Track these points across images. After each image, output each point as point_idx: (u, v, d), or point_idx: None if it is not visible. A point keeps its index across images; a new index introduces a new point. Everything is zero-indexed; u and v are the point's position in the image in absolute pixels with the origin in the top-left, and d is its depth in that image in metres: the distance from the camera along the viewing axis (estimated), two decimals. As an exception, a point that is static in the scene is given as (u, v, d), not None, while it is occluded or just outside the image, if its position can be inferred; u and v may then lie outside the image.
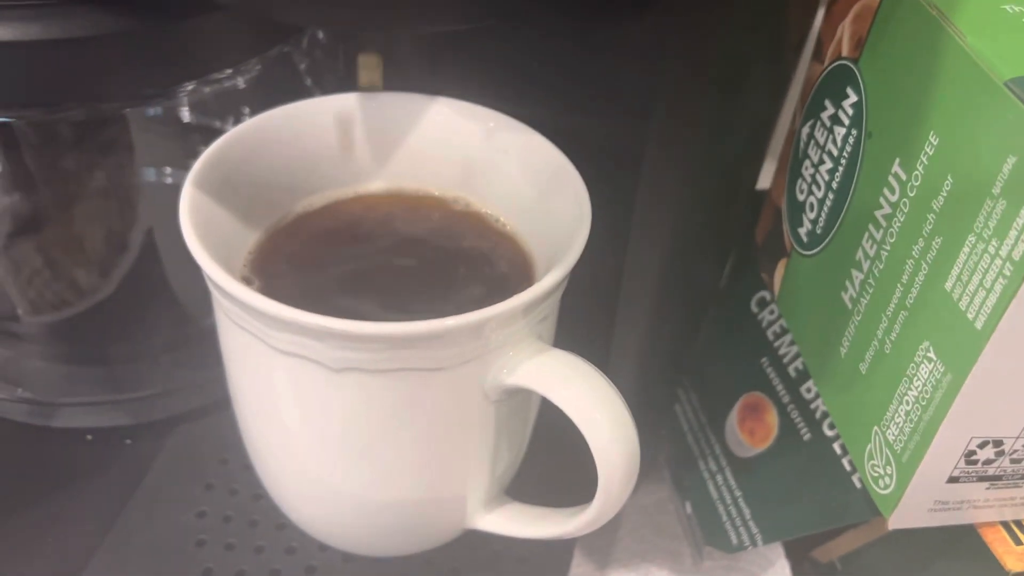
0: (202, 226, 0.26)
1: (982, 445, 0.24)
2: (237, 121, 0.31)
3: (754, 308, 0.35)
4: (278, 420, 0.28)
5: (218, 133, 0.29)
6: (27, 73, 0.27)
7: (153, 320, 0.37)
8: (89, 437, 0.36)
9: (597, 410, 0.25)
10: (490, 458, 0.29)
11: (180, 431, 0.36)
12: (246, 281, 0.28)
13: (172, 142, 0.35)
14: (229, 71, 0.31)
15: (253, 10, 0.25)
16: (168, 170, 0.36)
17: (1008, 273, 0.21)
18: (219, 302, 0.26)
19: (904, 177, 0.24)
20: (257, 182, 0.29)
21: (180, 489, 0.34)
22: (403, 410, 0.26)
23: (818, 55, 0.29)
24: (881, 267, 0.25)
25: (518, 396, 0.27)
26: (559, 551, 0.34)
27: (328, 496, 0.29)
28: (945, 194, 0.23)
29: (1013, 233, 0.20)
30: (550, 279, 0.25)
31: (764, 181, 0.34)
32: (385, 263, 0.30)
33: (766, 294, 0.35)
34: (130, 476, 0.35)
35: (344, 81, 0.33)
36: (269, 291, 0.26)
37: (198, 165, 0.27)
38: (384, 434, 0.26)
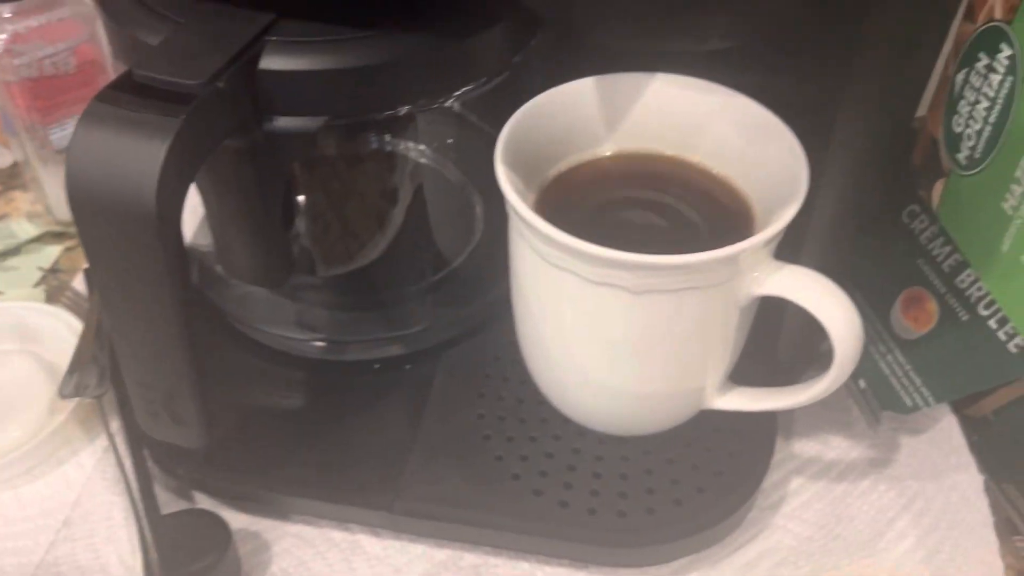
0: (516, 194, 0.34)
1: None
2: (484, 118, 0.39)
3: (905, 219, 0.43)
4: (575, 335, 0.36)
5: (472, 126, 0.37)
6: (352, 89, 0.36)
7: (416, 269, 0.46)
8: (376, 366, 0.45)
9: (834, 307, 0.33)
10: (730, 351, 0.37)
11: (448, 355, 0.45)
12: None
13: (438, 132, 0.43)
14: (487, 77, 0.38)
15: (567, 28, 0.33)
16: (429, 154, 0.45)
17: None
18: (532, 247, 0.34)
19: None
20: (529, 152, 0.37)
21: (460, 399, 0.44)
22: (682, 317, 0.34)
23: (970, 16, 0.36)
24: (1039, 182, 0.33)
25: (757, 302, 0.36)
26: (764, 426, 0.43)
27: (600, 390, 0.38)
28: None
29: None
30: (786, 217, 0.33)
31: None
32: (636, 206, 0.38)
33: (915, 207, 0.43)
34: (416, 393, 0.44)
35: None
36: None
37: (501, 144, 0.36)
38: (663, 337, 0.35)
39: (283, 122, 0.35)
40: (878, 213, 0.45)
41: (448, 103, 0.39)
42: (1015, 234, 0.35)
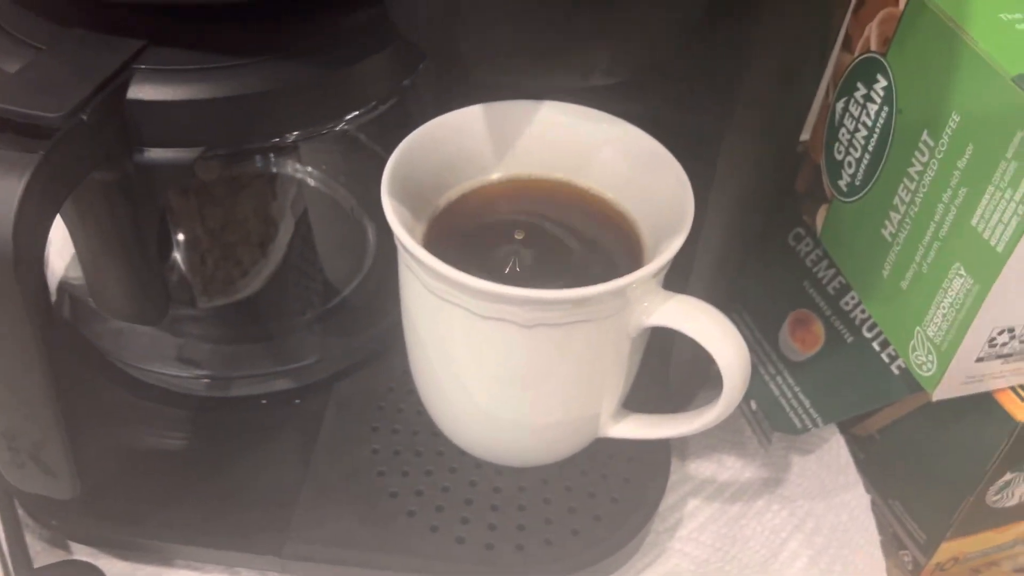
0: (404, 227, 0.33)
1: (1000, 332, 0.33)
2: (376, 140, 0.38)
3: (791, 242, 0.44)
4: (465, 368, 0.36)
5: (364, 148, 0.36)
6: (228, 119, 0.34)
7: (304, 298, 0.44)
8: (264, 401, 0.43)
9: (721, 338, 0.33)
10: (622, 380, 0.37)
11: (340, 388, 0.44)
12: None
13: (327, 155, 0.42)
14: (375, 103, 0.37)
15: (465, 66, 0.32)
16: (317, 177, 0.43)
17: (1021, 212, 0.30)
18: (421, 282, 0.33)
19: (932, 144, 0.33)
20: (418, 181, 0.37)
21: (352, 434, 0.42)
22: (572, 350, 0.34)
23: (847, 47, 0.37)
24: (916, 210, 0.34)
25: (648, 331, 0.36)
26: (658, 451, 0.43)
27: (494, 423, 0.38)
28: (967, 157, 0.31)
29: None
30: (672, 248, 0.33)
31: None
32: (527, 234, 0.38)
33: (800, 230, 0.44)
34: (306, 429, 0.42)
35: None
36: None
37: (387, 176, 0.35)
38: (555, 369, 0.34)
39: (155, 154, 0.33)
40: (765, 236, 0.46)
41: (330, 131, 0.38)
42: (894, 260, 0.36)
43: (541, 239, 0.38)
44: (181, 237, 0.41)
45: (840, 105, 0.38)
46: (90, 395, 0.43)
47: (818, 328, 0.42)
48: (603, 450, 0.41)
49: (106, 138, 0.32)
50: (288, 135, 0.36)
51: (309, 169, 0.44)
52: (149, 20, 0.33)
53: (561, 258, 0.37)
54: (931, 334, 0.35)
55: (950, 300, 0.33)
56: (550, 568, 0.39)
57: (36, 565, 0.39)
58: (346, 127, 0.38)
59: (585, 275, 0.33)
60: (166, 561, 0.40)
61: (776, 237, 0.44)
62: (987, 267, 0.31)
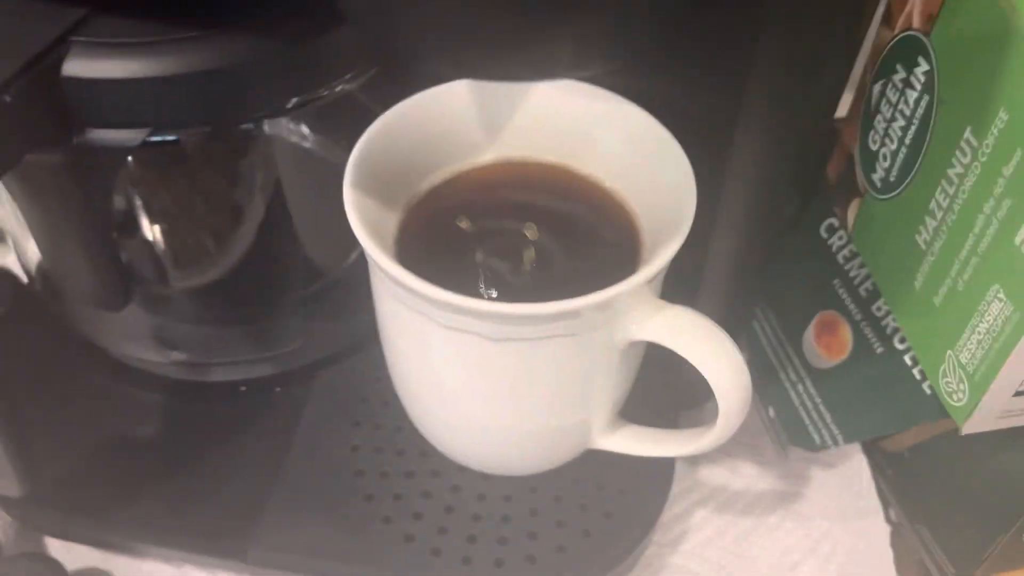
0: (366, 221, 0.30)
1: (1043, 365, 0.29)
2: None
3: (823, 234, 0.39)
4: (438, 376, 0.32)
5: (362, 108, 0.33)
6: (180, 98, 0.31)
7: (286, 281, 0.41)
8: (243, 388, 0.41)
9: (715, 356, 0.29)
10: (612, 393, 0.34)
11: (323, 376, 0.41)
12: (400, 259, 0.32)
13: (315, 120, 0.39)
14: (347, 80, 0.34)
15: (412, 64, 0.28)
16: (302, 149, 0.40)
17: (1071, 236, 0.25)
18: (385, 285, 0.30)
19: (975, 144, 0.28)
20: (392, 167, 0.33)
21: (333, 427, 0.40)
22: (548, 366, 0.30)
23: (888, 22, 0.32)
24: (954, 218, 0.29)
25: (639, 344, 0.32)
26: (661, 463, 0.39)
27: (475, 432, 0.34)
28: (1015, 163, 0.26)
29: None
30: (667, 252, 0.29)
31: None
32: (511, 227, 0.34)
33: (834, 221, 0.39)
34: (286, 420, 0.40)
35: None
36: (418, 269, 0.30)
37: (352, 161, 0.31)
38: (531, 382, 0.31)
39: (98, 135, 0.30)
40: (798, 221, 0.41)
41: (303, 107, 0.35)
42: (928, 272, 0.31)
43: (529, 233, 0.34)
44: (149, 215, 0.38)
45: (877, 88, 0.33)
46: (67, 379, 0.41)
47: (846, 334, 0.38)
48: (599, 460, 0.38)
49: (38, 119, 0.29)
50: (246, 116, 0.33)
51: (292, 141, 0.40)
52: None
53: (550, 259, 0.33)
54: (964, 361, 0.30)
55: (987, 326, 0.29)
56: (531, 588, 0.36)
57: (7, 554, 0.38)
58: (319, 103, 0.34)
59: (574, 281, 0.29)
60: (138, 554, 0.38)
61: (809, 225, 0.40)
62: (1030, 294, 0.27)
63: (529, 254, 0.33)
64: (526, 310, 0.27)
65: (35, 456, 0.34)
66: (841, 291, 0.38)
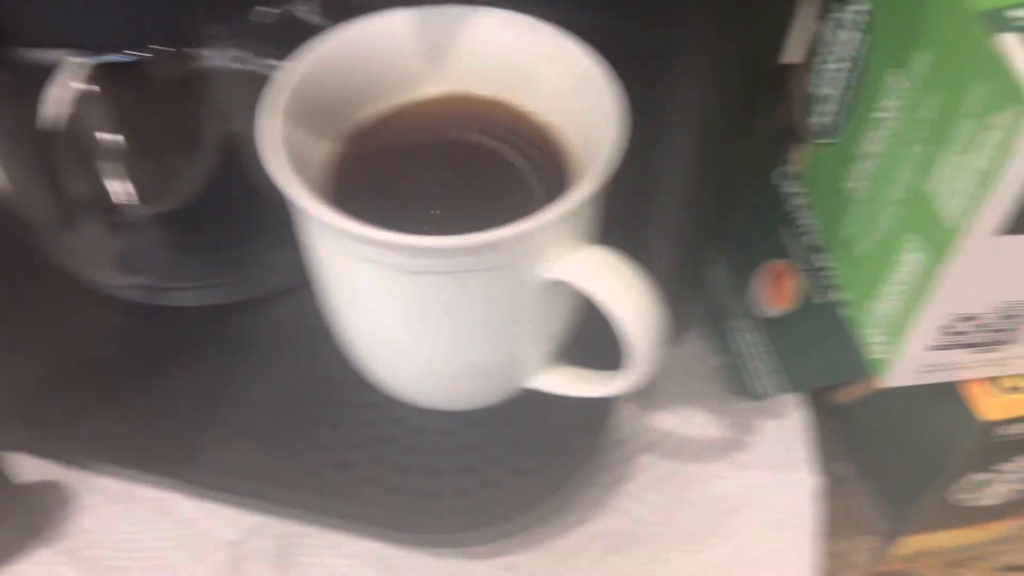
0: (281, 150, 0.30)
1: (964, 319, 0.28)
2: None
3: (775, 180, 0.38)
4: (362, 310, 0.33)
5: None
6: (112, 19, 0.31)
7: (242, 210, 0.42)
8: (197, 314, 0.42)
9: (621, 297, 0.29)
10: (538, 331, 0.34)
11: (275, 306, 0.42)
12: (323, 192, 0.32)
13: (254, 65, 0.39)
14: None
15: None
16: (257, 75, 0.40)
17: (976, 183, 0.24)
18: (307, 218, 0.30)
19: (901, 87, 0.27)
20: (325, 97, 0.33)
21: (279, 357, 0.40)
22: (464, 300, 0.30)
23: (832, -44, 0.31)
24: (878, 164, 0.29)
25: (562, 284, 0.32)
26: (599, 405, 0.39)
27: (406, 364, 0.35)
28: (931, 109, 0.25)
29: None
30: (583, 190, 0.29)
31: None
32: (444, 157, 0.34)
33: (786, 168, 0.38)
34: (236, 346, 0.41)
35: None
36: (344, 200, 0.30)
37: (273, 90, 0.31)
38: (449, 317, 0.31)
39: (28, 53, 0.31)
40: (755, 168, 0.40)
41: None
42: (854, 222, 0.30)
43: (464, 170, 0.34)
44: (105, 140, 0.38)
45: (821, 28, 0.32)
46: (31, 298, 0.42)
47: (792, 283, 0.37)
48: (538, 400, 0.38)
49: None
50: (181, 37, 0.33)
51: (244, 68, 0.40)
52: None
53: (478, 195, 0.33)
54: (883, 312, 0.29)
55: (903, 276, 0.28)
56: (464, 521, 0.36)
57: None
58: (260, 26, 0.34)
59: (499, 216, 0.29)
60: (88, 469, 0.40)
61: (761, 171, 0.39)
62: (940, 243, 0.26)
63: (464, 188, 0.33)
64: (430, 243, 0.27)
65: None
66: (788, 239, 0.37)
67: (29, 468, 0.39)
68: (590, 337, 0.36)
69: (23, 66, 0.31)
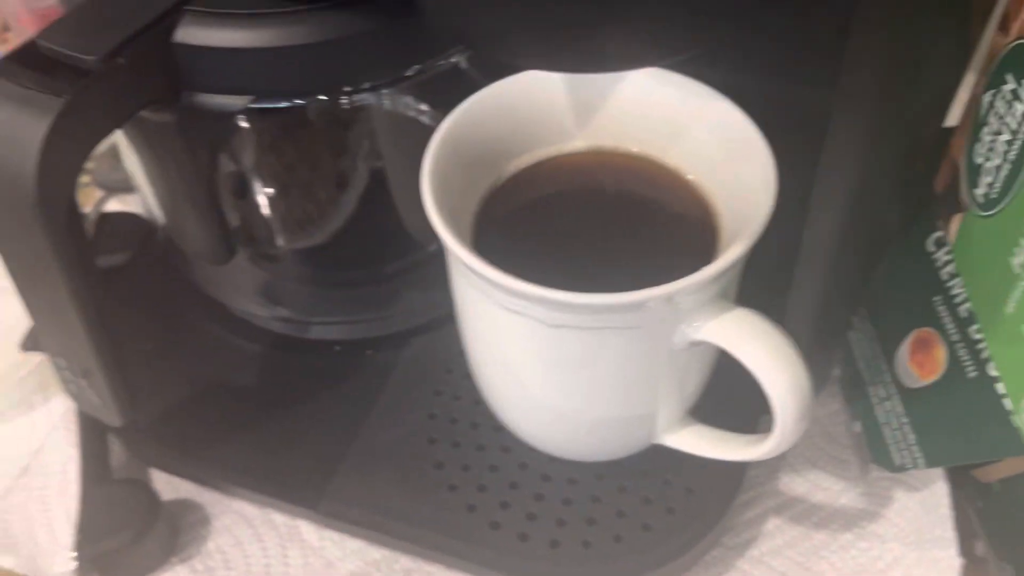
0: (441, 197, 0.31)
1: None
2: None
3: (930, 247, 0.37)
4: (501, 356, 0.33)
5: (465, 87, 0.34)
6: (284, 69, 0.33)
7: (387, 249, 0.43)
8: (337, 348, 0.43)
9: (774, 365, 0.29)
10: (676, 390, 0.33)
11: (413, 344, 0.43)
12: (471, 240, 0.33)
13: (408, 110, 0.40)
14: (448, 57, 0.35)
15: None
16: (407, 131, 0.41)
17: None
18: (455, 263, 0.31)
19: (1077, 166, 0.26)
20: (480, 146, 0.34)
21: (415, 394, 0.41)
22: (602, 355, 0.30)
23: (1004, 27, 0.30)
24: (1049, 243, 0.28)
25: (703, 344, 0.32)
26: (732, 464, 0.38)
27: (541, 413, 0.35)
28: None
29: None
30: (733, 253, 0.28)
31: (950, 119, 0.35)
32: (590, 215, 0.34)
33: (941, 235, 0.37)
34: (372, 382, 0.42)
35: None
36: (489, 248, 0.31)
37: (434, 143, 0.32)
38: (586, 370, 0.31)
39: (205, 99, 0.33)
40: (907, 232, 0.39)
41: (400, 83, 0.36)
42: (1019, 298, 0.29)
43: (609, 224, 0.34)
44: (260, 179, 0.40)
45: (987, 98, 0.31)
46: (177, 324, 0.44)
47: (940, 354, 0.36)
48: (669, 456, 0.37)
49: (150, 80, 0.31)
50: (345, 90, 0.34)
51: (400, 113, 0.42)
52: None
53: (625, 251, 0.33)
54: (1047, 396, 0.28)
55: (1073, 361, 0.27)
56: (581, 571, 0.36)
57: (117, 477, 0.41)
58: (422, 78, 0.35)
59: (646, 274, 0.29)
60: (227, 493, 0.41)
61: (916, 237, 0.38)
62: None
63: (609, 244, 0.33)
64: (575, 299, 0.28)
65: (137, 391, 0.36)
66: (941, 309, 0.36)
67: (167, 487, 0.41)
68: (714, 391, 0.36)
69: (193, 109, 0.33)
